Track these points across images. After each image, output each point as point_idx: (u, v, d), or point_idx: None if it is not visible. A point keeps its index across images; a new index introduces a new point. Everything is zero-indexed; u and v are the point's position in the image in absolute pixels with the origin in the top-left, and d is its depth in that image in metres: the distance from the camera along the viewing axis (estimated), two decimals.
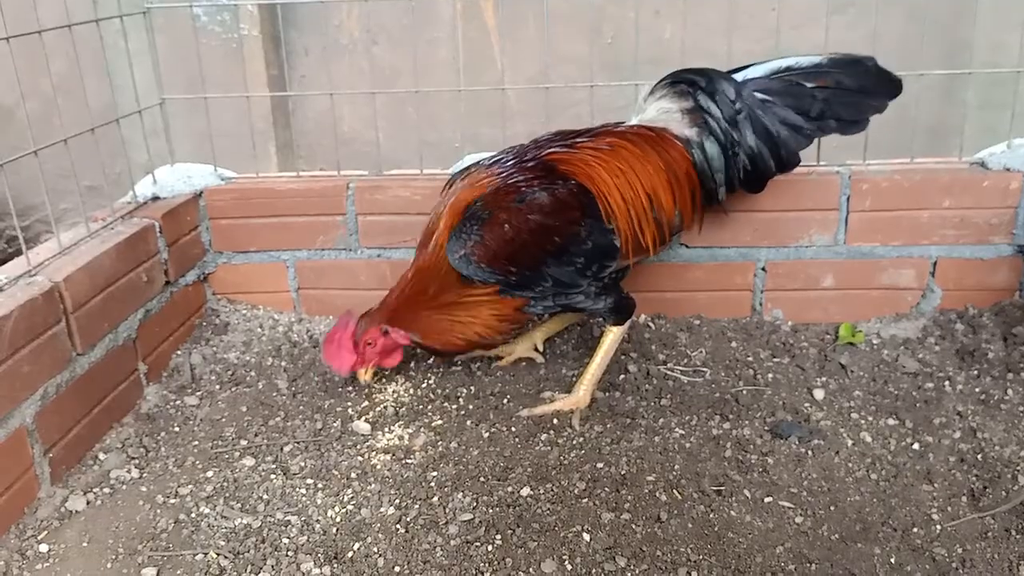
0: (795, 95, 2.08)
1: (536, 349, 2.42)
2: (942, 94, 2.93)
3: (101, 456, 2.02)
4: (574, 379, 2.27)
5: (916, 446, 1.99)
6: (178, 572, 1.65)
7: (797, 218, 2.44)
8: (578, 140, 2.11)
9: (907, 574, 1.62)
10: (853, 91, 2.07)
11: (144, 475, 1.96)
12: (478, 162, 2.18)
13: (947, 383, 2.22)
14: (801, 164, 2.20)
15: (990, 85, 2.74)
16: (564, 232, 2.01)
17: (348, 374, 2.21)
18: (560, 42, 2.91)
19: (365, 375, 2.21)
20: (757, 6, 2.86)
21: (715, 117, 2.07)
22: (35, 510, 1.83)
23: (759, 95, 2.08)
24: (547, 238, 2.00)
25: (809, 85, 2.07)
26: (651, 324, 2.56)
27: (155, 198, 2.51)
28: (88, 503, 1.86)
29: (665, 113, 2.15)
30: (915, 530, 1.72)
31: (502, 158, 2.13)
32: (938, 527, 1.73)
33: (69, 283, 1.96)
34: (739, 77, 2.10)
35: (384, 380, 2.33)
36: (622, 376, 2.30)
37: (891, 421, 2.08)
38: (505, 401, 2.22)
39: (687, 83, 2.11)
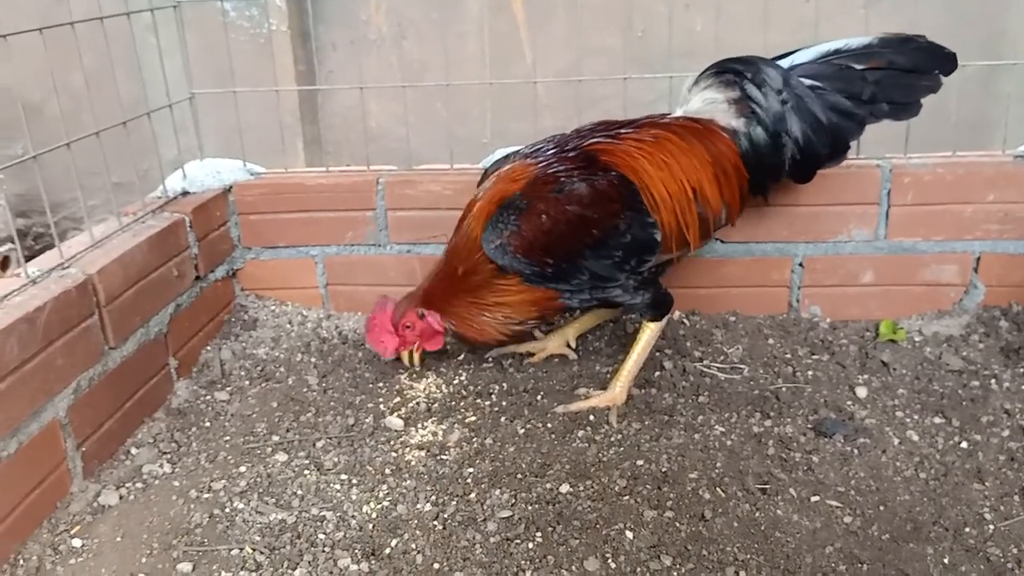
0: (845, 79, 2.02)
1: (568, 345, 2.38)
2: (980, 86, 2.86)
3: (133, 450, 2.00)
4: (608, 376, 2.23)
5: (964, 445, 1.93)
6: (214, 567, 1.62)
7: (836, 212, 2.39)
8: (621, 131, 2.07)
9: (961, 575, 1.57)
10: (906, 71, 2.01)
11: (176, 470, 1.93)
12: (518, 151, 2.14)
13: (993, 381, 2.16)
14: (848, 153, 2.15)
15: None
16: (603, 224, 1.97)
17: (393, 356, 2.22)
18: (590, 35, 2.87)
19: (410, 359, 2.22)
20: None
21: (763, 106, 2.02)
22: (68, 504, 1.81)
23: (808, 81, 2.02)
24: (585, 230, 1.96)
25: (859, 67, 2.01)
26: (685, 321, 2.52)
27: (185, 193, 2.49)
28: (121, 498, 1.83)
29: (711, 104, 2.10)
30: (967, 530, 1.67)
31: (543, 147, 2.09)
32: (991, 527, 1.68)
33: (102, 275, 1.94)
34: (786, 63, 2.05)
35: (415, 376, 2.30)
36: (657, 373, 2.26)
37: (937, 419, 2.02)
38: (539, 398, 2.18)
39: (733, 72, 2.06)
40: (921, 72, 2.02)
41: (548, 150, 2.06)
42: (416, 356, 2.23)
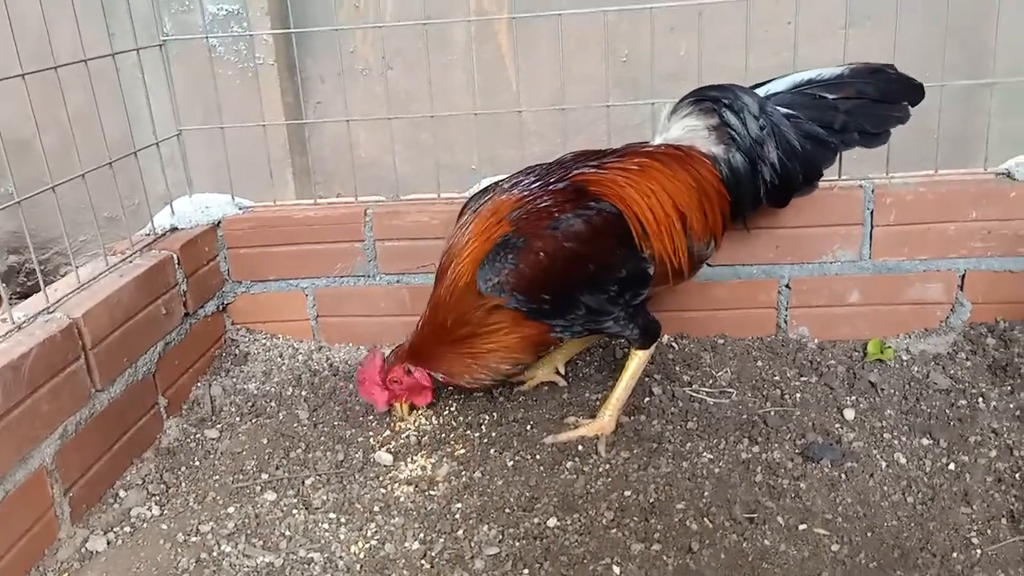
0: (818, 108, 2.06)
1: (558, 372, 2.39)
2: (963, 102, 2.87)
3: (122, 493, 2.00)
4: (598, 403, 2.24)
5: (952, 466, 1.93)
6: None
7: (821, 233, 2.40)
8: (606, 160, 2.08)
9: None
10: (876, 100, 2.06)
11: (165, 512, 1.94)
12: (497, 183, 2.14)
13: (980, 399, 2.16)
14: (823, 178, 2.17)
15: (1012, 92, 2.68)
16: (599, 260, 1.98)
17: (385, 408, 2.21)
18: (574, 62, 2.89)
19: (400, 409, 2.22)
20: (773, 20, 2.83)
21: (741, 133, 2.04)
22: (55, 551, 1.81)
23: (782, 109, 2.06)
24: (582, 266, 1.97)
25: (831, 97, 2.06)
26: (674, 344, 2.52)
27: (173, 229, 2.51)
28: (109, 543, 1.83)
29: (691, 131, 2.12)
30: (955, 555, 1.67)
31: (522, 180, 2.09)
32: (978, 551, 1.68)
33: (88, 319, 1.95)
34: (761, 92, 2.08)
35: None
36: (647, 399, 2.26)
37: (925, 440, 2.03)
38: (528, 427, 2.18)
39: (711, 100, 2.09)
40: (890, 102, 2.07)
41: (532, 184, 2.06)
42: (406, 408, 2.23)
